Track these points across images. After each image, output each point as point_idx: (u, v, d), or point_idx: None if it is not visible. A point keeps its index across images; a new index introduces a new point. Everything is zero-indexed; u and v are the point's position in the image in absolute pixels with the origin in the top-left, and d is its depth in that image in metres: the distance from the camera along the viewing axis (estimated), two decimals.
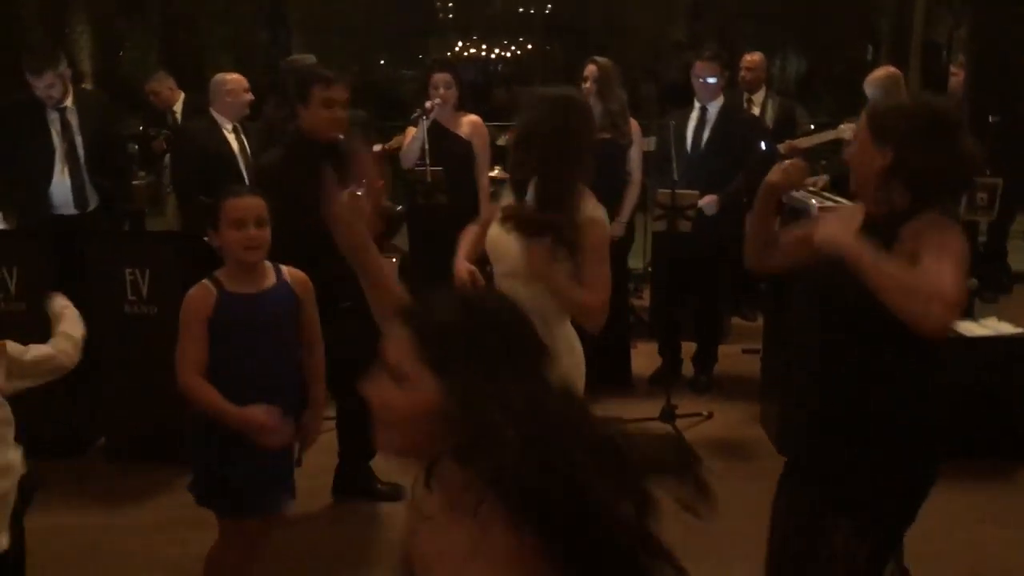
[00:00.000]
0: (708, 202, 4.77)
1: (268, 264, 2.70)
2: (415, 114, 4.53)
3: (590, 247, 2.59)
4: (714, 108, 4.94)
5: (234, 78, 4.80)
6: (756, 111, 5.92)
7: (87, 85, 10.31)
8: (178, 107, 6.28)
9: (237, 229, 2.57)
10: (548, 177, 2.66)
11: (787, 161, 2.40)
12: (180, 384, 2.60)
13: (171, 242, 4.27)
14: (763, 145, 5.10)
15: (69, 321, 2.63)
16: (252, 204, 2.61)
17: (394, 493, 3.94)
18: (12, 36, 8.41)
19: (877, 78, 5.24)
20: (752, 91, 5.96)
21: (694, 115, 4.95)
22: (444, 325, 1.29)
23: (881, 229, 2.10)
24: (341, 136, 3.36)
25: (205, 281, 2.64)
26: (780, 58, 15.13)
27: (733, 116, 4.99)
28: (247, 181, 4.53)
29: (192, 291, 2.63)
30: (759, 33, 10.72)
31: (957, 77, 5.59)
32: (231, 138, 4.65)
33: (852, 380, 2.16)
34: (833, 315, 2.18)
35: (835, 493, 2.19)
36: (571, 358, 2.75)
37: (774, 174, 2.37)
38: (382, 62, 14.80)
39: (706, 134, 4.93)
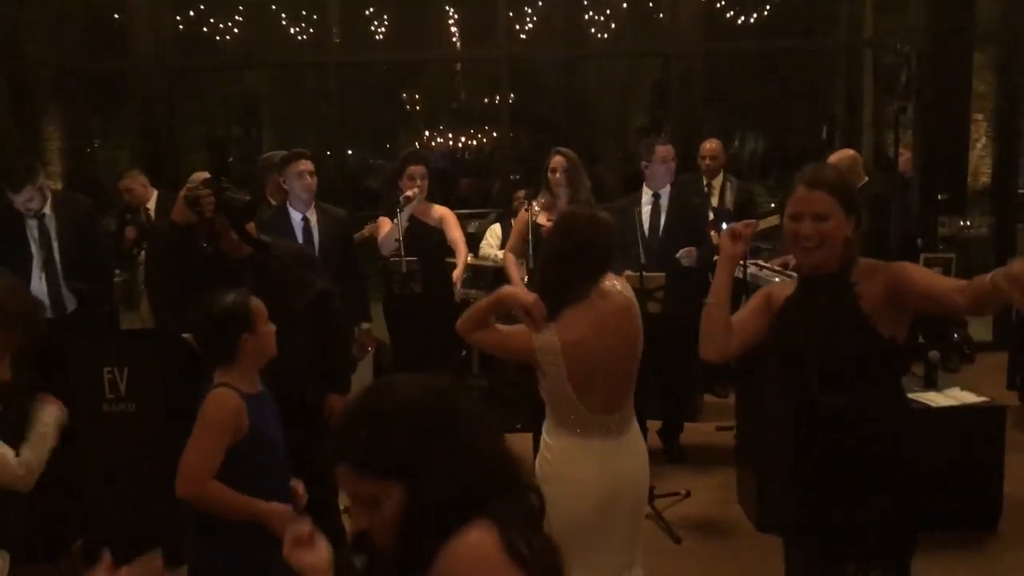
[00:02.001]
0: (687, 253, 4.92)
1: None
2: (400, 203, 4.62)
3: None
4: (665, 194, 5.14)
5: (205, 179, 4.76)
6: (716, 195, 6.14)
7: (56, 184, 10.41)
8: (151, 204, 6.36)
9: (268, 324, 2.66)
10: None
11: (735, 225, 2.59)
12: (197, 493, 2.50)
13: (147, 339, 4.31)
14: (725, 226, 5.26)
15: (39, 442, 2.60)
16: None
17: None
18: None
19: (839, 159, 5.47)
20: (712, 176, 6.19)
21: (647, 200, 5.11)
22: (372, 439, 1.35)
23: (829, 285, 2.39)
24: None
25: (224, 389, 2.56)
26: (740, 140, 15.61)
27: (684, 201, 5.21)
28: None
29: (220, 398, 2.54)
30: (720, 118, 11.12)
31: (904, 157, 5.85)
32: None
33: (860, 427, 2.36)
34: (831, 374, 2.36)
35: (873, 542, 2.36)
36: None
37: (730, 245, 2.57)
38: (349, 152, 15.05)
39: (663, 219, 5.10)
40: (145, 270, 4.61)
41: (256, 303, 2.66)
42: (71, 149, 9.76)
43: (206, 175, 4.43)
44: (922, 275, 2.36)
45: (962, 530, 4.18)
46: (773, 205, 7.04)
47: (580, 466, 2.70)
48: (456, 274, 4.94)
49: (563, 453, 2.72)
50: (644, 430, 5.21)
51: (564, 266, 2.73)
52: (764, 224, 5.91)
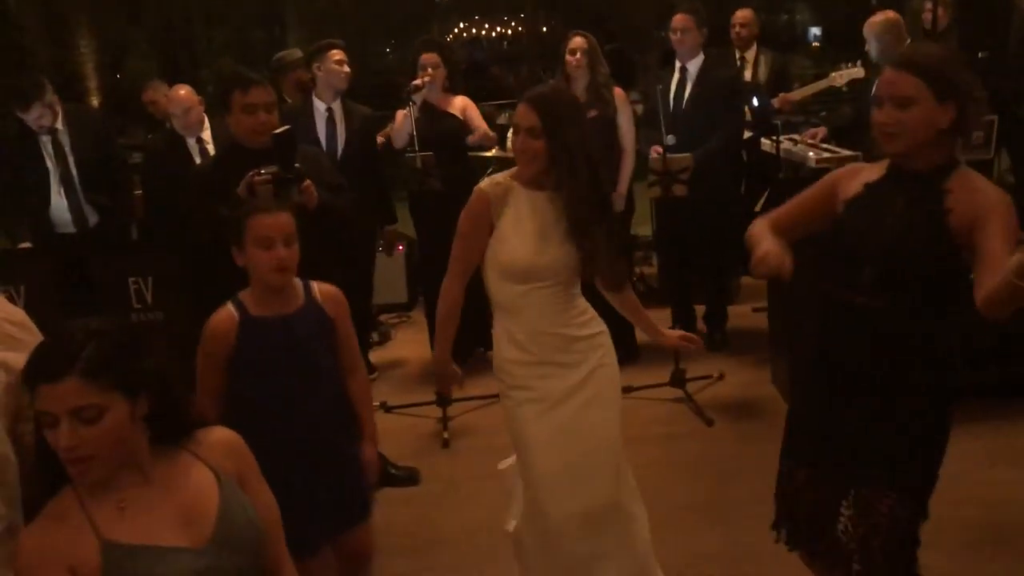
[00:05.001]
0: (685, 156, 4.73)
1: (298, 281, 2.52)
2: (409, 92, 4.55)
3: None
4: (694, 67, 4.90)
5: (179, 95, 4.54)
6: (749, 68, 5.87)
7: (94, 100, 10.46)
8: None
9: (264, 249, 2.39)
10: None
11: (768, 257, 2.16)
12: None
13: (171, 249, 4.32)
14: (756, 100, 5.07)
15: None
16: (280, 222, 2.41)
17: (410, 476, 4.00)
18: (16, 58, 8.53)
19: (876, 23, 5.14)
20: (744, 48, 5.90)
21: (676, 75, 4.91)
22: None
23: (915, 182, 2.10)
24: (268, 139, 3.14)
25: (228, 305, 2.46)
26: (786, 12, 14.93)
27: (711, 74, 4.92)
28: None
29: (213, 317, 2.44)
30: None
31: (928, 14, 5.49)
32: (195, 150, 4.53)
33: (908, 339, 2.14)
34: (886, 278, 2.12)
35: (883, 466, 2.19)
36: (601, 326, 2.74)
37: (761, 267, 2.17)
38: (388, 51, 14.81)
39: (687, 94, 4.89)
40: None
41: (276, 221, 2.41)
42: (104, 64, 9.76)
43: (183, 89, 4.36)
44: (1002, 238, 1.95)
45: (998, 399, 4.09)
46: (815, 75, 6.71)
47: None
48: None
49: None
50: (694, 317, 5.24)
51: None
52: (799, 95, 5.68)
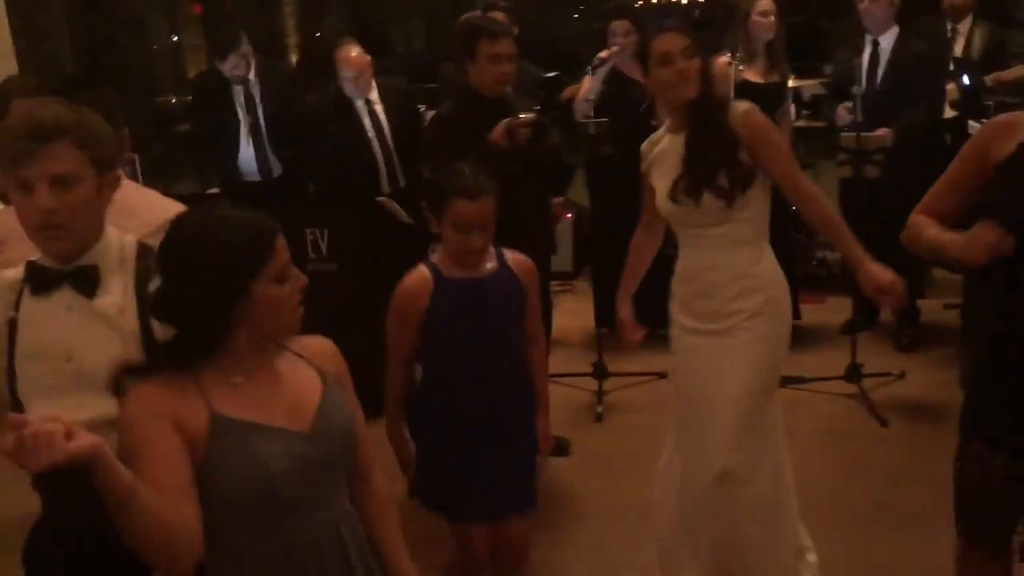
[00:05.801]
0: (878, 138, 4.40)
1: (490, 248, 2.52)
2: (593, 64, 4.47)
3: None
4: (887, 40, 4.55)
5: (348, 57, 4.42)
6: (961, 41, 5.36)
7: (293, 56, 10.97)
8: None
9: (460, 232, 2.40)
10: None
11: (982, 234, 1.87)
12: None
13: (348, 203, 4.45)
14: (965, 78, 4.64)
15: None
16: (481, 211, 2.38)
17: (560, 447, 3.96)
18: (220, 13, 9.01)
19: None
20: (958, 19, 5.38)
21: (867, 50, 4.56)
22: None
23: None
24: (508, 90, 3.32)
25: (422, 266, 2.48)
26: None
27: (908, 48, 4.56)
28: (379, 160, 4.49)
29: (405, 278, 2.48)
30: None
31: None
32: (363, 112, 4.50)
33: None
34: None
35: None
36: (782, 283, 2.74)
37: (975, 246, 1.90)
38: (575, 16, 14.67)
39: (880, 70, 4.54)
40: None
41: (477, 209, 2.37)
42: (304, 21, 10.16)
43: (354, 51, 4.41)
44: None
45: None
46: None
47: None
48: None
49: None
50: (877, 308, 4.92)
51: None
52: (1014, 74, 5.16)
